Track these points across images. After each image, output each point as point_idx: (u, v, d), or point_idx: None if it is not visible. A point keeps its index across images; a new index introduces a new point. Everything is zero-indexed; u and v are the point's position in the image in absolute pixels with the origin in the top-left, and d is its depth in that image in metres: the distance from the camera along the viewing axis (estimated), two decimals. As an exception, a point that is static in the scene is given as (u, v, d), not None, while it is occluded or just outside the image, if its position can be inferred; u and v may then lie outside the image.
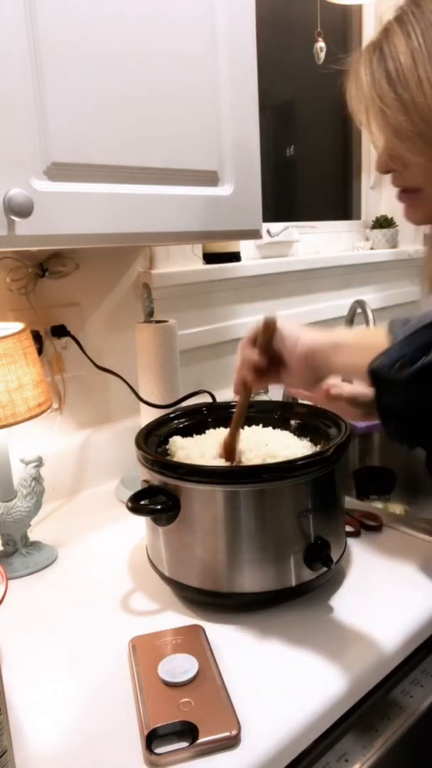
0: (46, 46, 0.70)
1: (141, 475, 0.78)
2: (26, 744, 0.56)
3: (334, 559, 0.74)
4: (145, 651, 0.65)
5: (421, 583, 0.78)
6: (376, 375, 0.55)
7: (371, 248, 1.89)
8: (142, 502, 0.74)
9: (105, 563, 0.88)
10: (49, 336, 1.08)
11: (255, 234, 0.98)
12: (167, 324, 1.08)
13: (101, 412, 1.19)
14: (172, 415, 0.92)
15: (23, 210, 0.68)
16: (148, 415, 1.05)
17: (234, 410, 0.80)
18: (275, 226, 1.56)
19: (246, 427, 0.89)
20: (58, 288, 1.09)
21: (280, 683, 0.62)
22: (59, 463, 1.09)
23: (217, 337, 1.37)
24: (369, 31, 1.76)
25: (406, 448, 0.58)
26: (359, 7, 1.74)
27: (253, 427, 0.90)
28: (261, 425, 0.90)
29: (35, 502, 0.88)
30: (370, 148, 1.87)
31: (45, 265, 1.05)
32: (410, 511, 1.18)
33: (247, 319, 1.42)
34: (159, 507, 0.73)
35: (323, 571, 0.73)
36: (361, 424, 1.26)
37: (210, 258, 1.35)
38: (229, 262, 1.37)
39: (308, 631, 0.70)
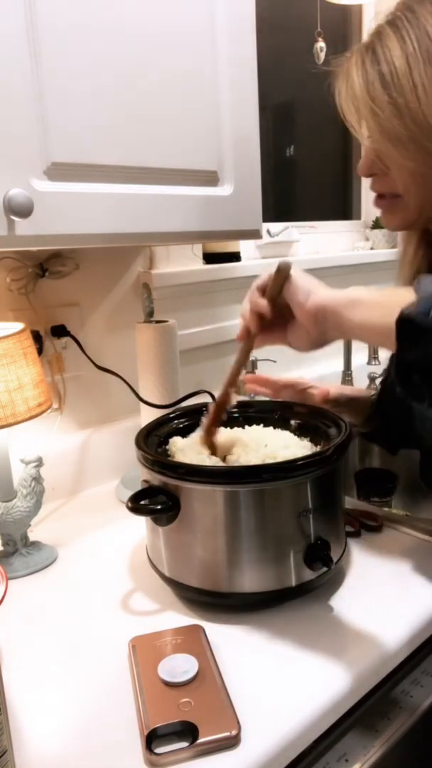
0: (46, 46, 0.70)
1: (141, 475, 0.78)
2: (26, 744, 0.56)
3: (334, 559, 0.74)
4: (145, 651, 0.65)
5: (421, 583, 0.78)
6: (407, 322, 0.53)
7: (371, 248, 1.89)
8: (142, 502, 0.73)
9: (105, 563, 0.88)
10: (49, 336, 1.08)
11: (255, 234, 0.98)
12: (167, 324, 1.08)
13: (101, 412, 1.19)
14: (172, 415, 0.92)
15: (23, 210, 0.68)
16: (148, 415, 1.05)
17: (234, 409, 0.79)
18: (275, 226, 1.56)
19: (246, 427, 0.90)
20: (58, 288, 1.09)
21: (280, 683, 0.62)
22: (59, 463, 1.09)
23: (217, 337, 1.37)
24: (369, 31, 1.76)
25: (425, 405, 0.55)
26: (359, 7, 1.74)
27: (254, 426, 0.90)
28: (261, 425, 0.90)
29: (35, 502, 0.88)
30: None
31: (45, 265, 1.05)
32: (411, 515, 1.18)
33: (247, 319, 1.42)
34: (159, 507, 0.73)
35: (323, 571, 0.73)
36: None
37: (210, 258, 1.35)
38: (229, 262, 1.37)
39: (308, 631, 0.70)
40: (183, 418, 0.92)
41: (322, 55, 1.53)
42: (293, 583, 0.73)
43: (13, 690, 0.63)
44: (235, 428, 0.88)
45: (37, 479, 0.88)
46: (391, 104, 0.66)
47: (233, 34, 0.88)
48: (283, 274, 0.66)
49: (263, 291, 0.70)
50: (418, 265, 0.88)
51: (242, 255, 1.41)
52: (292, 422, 0.91)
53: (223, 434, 0.85)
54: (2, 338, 0.80)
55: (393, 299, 0.57)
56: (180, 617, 0.74)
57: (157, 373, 1.08)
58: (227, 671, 0.62)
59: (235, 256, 1.39)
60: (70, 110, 0.73)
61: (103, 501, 1.10)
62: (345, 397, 0.95)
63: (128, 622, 0.74)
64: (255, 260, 1.50)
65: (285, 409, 0.93)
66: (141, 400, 1.10)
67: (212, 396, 1.15)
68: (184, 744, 0.54)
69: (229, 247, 1.37)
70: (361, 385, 1.53)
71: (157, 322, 1.09)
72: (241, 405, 0.95)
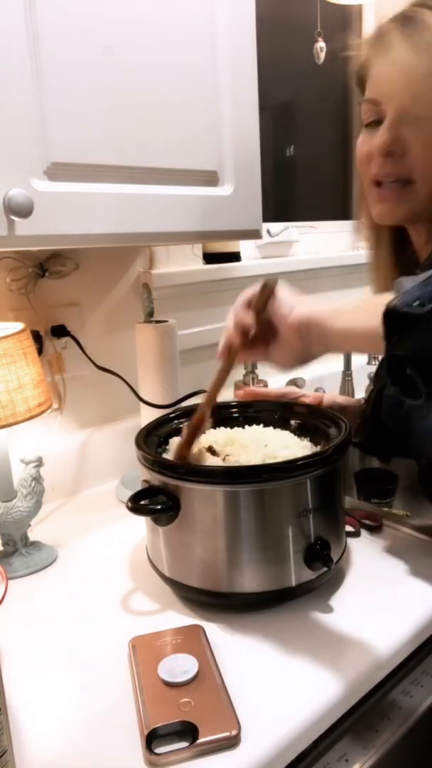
0: (46, 46, 0.70)
1: (141, 475, 0.78)
2: (26, 744, 0.56)
3: (334, 559, 0.74)
4: (145, 651, 0.65)
5: (421, 583, 0.78)
6: (393, 314, 0.53)
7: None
8: (142, 502, 0.73)
9: (105, 563, 0.88)
10: (49, 336, 1.08)
11: (255, 234, 0.98)
12: (167, 324, 1.08)
13: (101, 412, 1.19)
14: (172, 415, 0.92)
15: (23, 210, 0.68)
16: (148, 415, 1.05)
17: (233, 409, 0.79)
18: (275, 226, 1.56)
19: (246, 426, 0.90)
20: (58, 288, 1.09)
21: (280, 683, 0.62)
22: (59, 463, 1.09)
23: (217, 337, 1.34)
24: (369, 31, 1.76)
25: (421, 400, 0.55)
26: (359, 7, 1.74)
27: (254, 426, 0.90)
28: (261, 425, 0.90)
29: (35, 502, 0.88)
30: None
31: (45, 265, 1.05)
32: (411, 515, 1.18)
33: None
34: (159, 507, 0.73)
35: (323, 571, 0.73)
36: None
37: (210, 258, 1.35)
38: (229, 262, 1.37)
39: (308, 631, 0.70)
40: (183, 418, 0.92)
41: (322, 55, 1.53)
42: (293, 583, 0.73)
43: (13, 690, 0.63)
44: (235, 428, 0.88)
45: (37, 479, 0.88)
46: None
47: (233, 34, 0.88)
48: (268, 289, 0.67)
49: (248, 305, 0.69)
50: (391, 265, 0.89)
51: (242, 255, 1.41)
52: (292, 422, 0.91)
53: (222, 434, 0.85)
54: (2, 338, 0.80)
55: (374, 303, 0.57)
56: (180, 617, 0.74)
57: (157, 373, 1.08)
58: (227, 671, 0.62)
59: (235, 256, 1.39)
60: (70, 110, 0.73)
61: (103, 501, 1.10)
62: (337, 405, 0.96)
63: (128, 622, 0.74)
64: (255, 260, 1.50)
65: (285, 409, 0.93)
66: (141, 400, 1.10)
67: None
68: (184, 744, 0.54)
69: (229, 247, 1.37)
70: (361, 385, 1.53)
71: (157, 322, 1.09)
72: (241, 405, 0.95)
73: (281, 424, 0.91)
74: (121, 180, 0.79)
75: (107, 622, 0.74)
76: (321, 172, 1.93)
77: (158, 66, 0.81)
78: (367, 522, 0.93)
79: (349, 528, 0.88)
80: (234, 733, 0.54)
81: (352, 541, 0.88)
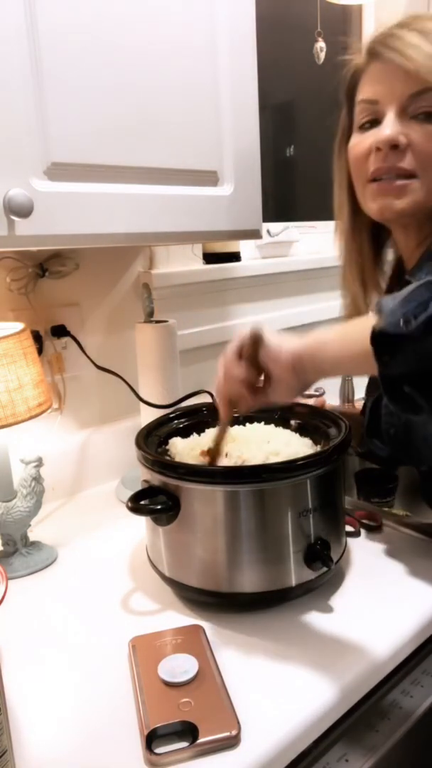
0: (46, 47, 0.70)
1: (141, 475, 0.78)
2: (26, 744, 0.56)
3: (334, 559, 0.74)
4: (145, 651, 0.65)
5: (421, 583, 0.78)
6: (381, 336, 0.53)
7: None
8: (142, 502, 0.73)
9: (105, 563, 0.88)
10: (49, 336, 1.08)
11: (255, 234, 0.98)
12: (167, 324, 1.08)
13: (101, 412, 1.19)
14: (172, 415, 0.92)
15: (23, 210, 0.68)
16: (148, 415, 1.05)
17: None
18: (275, 226, 1.56)
19: (247, 424, 0.89)
20: (58, 288, 1.09)
21: (280, 683, 0.62)
22: (59, 463, 1.09)
23: (217, 337, 1.37)
24: (369, 31, 1.76)
25: (424, 415, 0.55)
26: (359, 7, 1.74)
27: (255, 424, 0.89)
28: (262, 423, 0.90)
29: (35, 502, 0.88)
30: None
31: (45, 265, 1.05)
32: (411, 515, 1.18)
33: (247, 319, 1.42)
34: (159, 507, 0.73)
35: (323, 571, 0.73)
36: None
37: (210, 258, 1.35)
38: (229, 262, 1.37)
39: (308, 631, 0.70)
40: (183, 418, 0.92)
41: (322, 55, 1.53)
42: (293, 583, 0.73)
43: (13, 690, 0.63)
44: (236, 426, 0.88)
45: (37, 479, 0.88)
46: None
47: (233, 34, 0.88)
48: (257, 337, 0.67)
49: (239, 357, 0.68)
50: (364, 262, 0.90)
51: (242, 255, 1.41)
52: (292, 422, 0.91)
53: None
54: (2, 338, 0.80)
55: (358, 327, 0.58)
56: (180, 617, 0.74)
57: (157, 373, 1.08)
58: (227, 671, 0.62)
59: (235, 256, 1.39)
60: (70, 110, 0.73)
61: (103, 501, 1.10)
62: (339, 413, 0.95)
63: (128, 622, 0.74)
64: (255, 260, 1.50)
65: (285, 409, 0.93)
66: (141, 400, 1.10)
67: (212, 396, 1.15)
68: (184, 744, 0.54)
69: (229, 247, 1.37)
70: (361, 385, 1.53)
71: (157, 322, 1.09)
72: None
73: (281, 423, 0.91)
74: (121, 180, 0.79)
75: (107, 622, 0.74)
76: (321, 172, 1.92)
77: (158, 66, 0.80)
78: (367, 522, 0.93)
79: (349, 528, 0.88)
80: (234, 733, 0.54)
81: (352, 541, 0.88)
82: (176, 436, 0.88)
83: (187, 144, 0.86)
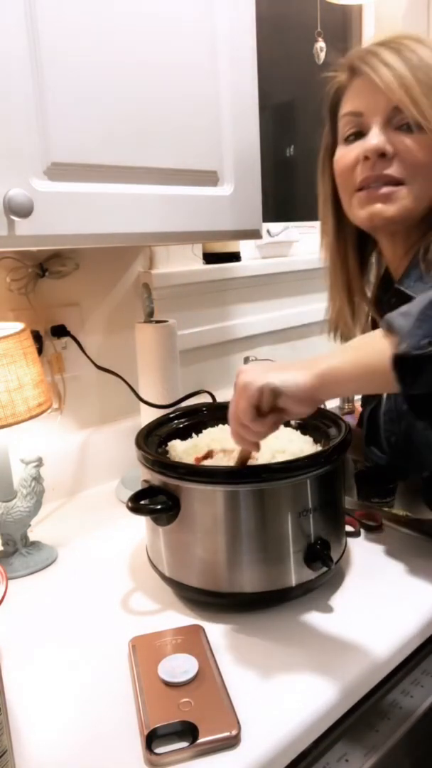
0: (46, 47, 0.70)
1: (141, 475, 0.78)
2: (26, 744, 0.56)
3: (334, 559, 0.74)
4: (145, 651, 0.65)
5: (422, 583, 0.78)
6: (404, 361, 0.53)
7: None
8: (142, 502, 0.73)
9: (105, 563, 0.88)
10: (49, 336, 1.08)
11: (255, 234, 0.98)
12: (167, 324, 1.08)
13: (101, 412, 1.19)
14: (172, 415, 0.92)
15: (23, 210, 0.68)
16: (148, 415, 1.05)
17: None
18: (275, 226, 1.56)
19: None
20: (58, 288, 1.09)
21: (280, 683, 0.62)
22: (59, 463, 1.09)
23: (217, 337, 1.37)
24: (369, 31, 1.76)
25: None
26: (359, 7, 1.74)
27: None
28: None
29: (35, 502, 0.88)
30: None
31: (45, 265, 1.05)
32: (411, 515, 1.18)
33: (247, 319, 1.42)
34: (159, 507, 0.73)
35: (323, 571, 0.73)
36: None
37: (210, 258, 1.35)
38: (229, 262, 1.37)
39: (308, 631, 0.70)
40: (183, 418, 0.92)
41: (322, 55, 1.53)
42: (293, 583, 0.73)
43: (13, 690, 0.63)
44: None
45: (37, 479, 0.88)
46: None
47: (233, 34, 0.88)
48: (275, 393, 0.62)
49: (258, 412, 0.63)
50: (350, 273, 0.91)
51: (242, 255, 1.41)
52: (292, 422, 0.91)
53: (227, 432, 0.84)
54: (2, 338, 0.80)
55: (369, 349, 0.58)
56: (180, 617, 0.74)
57: (157, 373, 1.08)
58: (227, 671, 0.62)
59: (235, 256, 1.39)
60: (70, 110, 0.73)
61: (103, 501, 1.10)
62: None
63: (128, 622, 0.74)
64: (255, 260, 1.50)
65: None
66: (141, 400, 1.10)
67: (212, 396, 1.15)
68: (184, 744, 0.54)
69: (229, 247, 1.37)
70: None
71: (157, 322, 1.09)
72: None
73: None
74: (121, 180, 0.79)
75: (107, 622, 0.74)
76: (321, 172, 1.92)
77: (158, 66, 0.80)
78: (367, 522, 0.93)
79: (349, 528, 0.88)
80: (234, 733, 0.54)
81: (352, 541, 0.88)
82: (176, 435, 0.88)
83: (187, 144, 0.86)
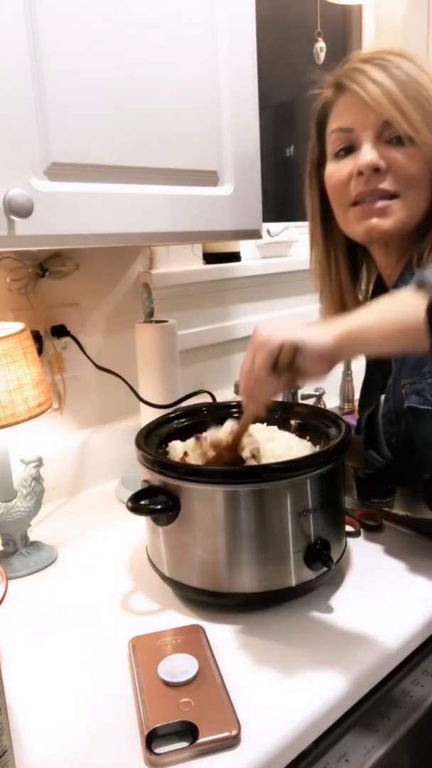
0: (46, 47, 0.70)
1: (141, 475, 0.78)
2: (26, 744, 0.56)
3: (334, 559, 0.74)
4: (145, 651, 0.65)
5: (421, 583, 0.78)
6: None
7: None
8: (142, 502, 0.73)
9: (105, 563, 0.88)
10: (49, 336, 1.08)
11: (255, 234, 0.98)
12: (167, 324, 1.08)
13: (101, 412, 1.19)
14: (172, 415, 0.92)
15: (23, 210, 0.68)
16: (148, 415, 1.05)
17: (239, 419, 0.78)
18: (275, 226, 1.56)
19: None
20: (58, 288, 1.09)
21: (280, 683, 0.62)
22: (59, 463, 1.09)
23: (217, 337, 1.37)
24: (369, 31, 1.76)
25: None
26: (359, 7, 1.74)
27: (256, 425, 0.89)
28: (265, 423, 0.90)
29: (35, 502, 0.88)
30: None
31: (45, 265, 1.05)
32: (411, 515, 1.18)
33: (247, 319, 1.42)
34: (159, 507, 0.73)
35: (323, 571, 0.73)
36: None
37: (210, 258, 1.35)
38: (229, 262, 1.37)
39: (308, 631, 0.70)
40: (183, 418, 0.92)
41: (322, 55, 1.53)
42: (293, 583, 0.73)
43: (13, 690, 0.62)
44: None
45: (37, 479, 0.88)
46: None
47: (233, 34, 0.88)
48: (295, 348, 0.61)
49: (275, 367, 0.62)
50: (342, 285, 0.93)
51: (242, 255, 1.41)
52: (292, 422, 0.91)
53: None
54: (2, 338, 0.80)
55: (398, 306, 0.58)
56: (180, 617, 0.74)
57: (157, 373, 1.08)
58: (227, 671, 0.62)
59: (235, 256, 1.39)
60: (70, 110, 0.73)
61: (103, 501, 1.10)
62: None
63: (128, 622, 0.74)
64: (255, 260, 1.50)
65: (285, 409, 0.93)
66: (141, 400, 1.10)
67: (212, 396, 1.15)
68: (184, 744, 0.54)
69: (229, 247, 1.37)
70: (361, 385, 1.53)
71: (157, 322, 1.09)
72: (241, 405, 0.95)
73: (281, 424, 0.91)
74: (121, 180, 0.79)
75: (107, 622, 0.74)
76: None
77: (158, 66, 0.80)
78: (367, 522, 0.93)
79: (349, 528, 0.88)
80: (234, 733, 0.54)
81: (352, 541, 0.88)
82: (176, 435, 0.88)
83: (187, 144, 0.86)
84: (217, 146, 0.90)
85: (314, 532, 0.73)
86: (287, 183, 1.81)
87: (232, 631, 0.70)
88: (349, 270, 0.93)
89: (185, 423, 0.91)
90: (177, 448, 0.83)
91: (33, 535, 0.92)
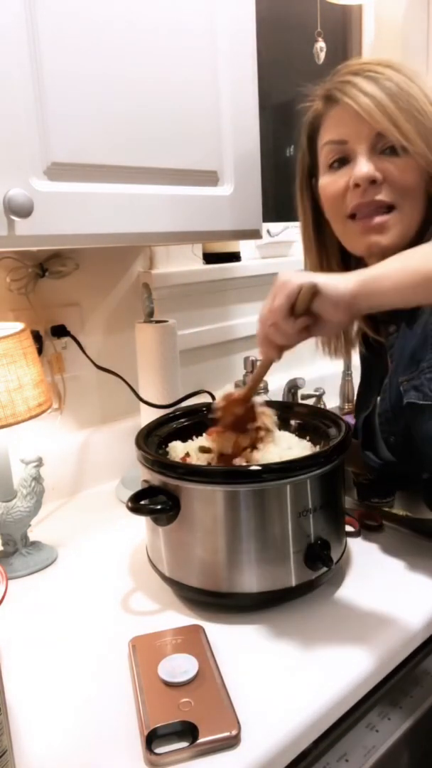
0: (46, 47, 0.70)
1: (141, 475, 0.78)
2: (26, 744, 0.56)
3: (334, 559, 0.74)
4: (145, 651, 0.65)
5: (421, 584, 0.78)
6: None
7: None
8: (142, 502, 0.74)
9: (105, 563, 0.88)
10: (49, 336, 1.08)
11: (255, 234, 0.98)
12: (167, 324, 1.08)
13: (101, 412, 1.19)
14: (172, 415, 0.92)
15: (23, 210, 0.68)
16: (148, 415, 1.05)
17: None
18: (275, 226, 1.56)
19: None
20: (58, 288, 1.09)
21: (280, 683, 0.62)
22: (59, 463, 1.09)
23: (217, 337, 1.37)
24: (369, 31, 1.76)
25: None
26: (359, 7, 1.74)
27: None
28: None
29: (35, 502, 0.88)
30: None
31: (45, 265, 1.05)
32: (411, 515, 1.18)
33: (247, 319, 1.42)
34: (159, 507, 0.73)
35: (323, 571, 0.73)
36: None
37: (210, 258, 1.35)
38: (229, 262, 1.37)
39: (308, 631, 0.70)
40: (183, 419, 0.92)
41: (322, 55, 1.53)
42: (293, 583, 0.73)
43: (13, 690, 0.63)
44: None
45: (37, 479, 0.88)
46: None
47: (233, 34, 0.88)
48: (313, 291, 0.62)
49: (291, 311, 0.63)
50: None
51: (242, 255, 1.41)
52: (292, 422, 0.91)
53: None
54: (2, 338, 0.80)
55: (418, 256, 0.60)
56: (180, 617, 0.74)
57: (157, 373, 1.08)
58: (227, 671, 0.62)
59: (235, 256, 1.39)
60: (70, 110, 0.73)
61: (103, 501, 1.10)
62: None
63: (128, 622, 0.74)
64: (255, 260, 1.50)
65: (285, 409, 0.93)
66: (141, 400, 1.10)
67: (212, 396, 1.15)
68: (184, 744, 0.54)
69: (229, 247, 1.37)
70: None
71: (157, 322, 1.09)
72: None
73: (281, 424, 0.91)
74: (121, 180, 0.79)
75: (107, 622, 0.74)
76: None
77: (158, 66, 0.81)
78: (367, 522, 0.93)
79: (349, 528, 0.88)
80: (234, 733, 0.54)
81: (352, 541, 0.88)
82: (176, 436, 0.88)
83: (187, 144, 0.86)
84: (218, 146, 0.90)
85: (314, 532, 0.73)
86: (287, 183, 1.80)
87: (232, 631, 0.70)
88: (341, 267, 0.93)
89: (185, 423, 0.91)
90: (177, 449, 0.83)
91: (33, 535, 0.92)
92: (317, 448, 0.82)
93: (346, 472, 0.93)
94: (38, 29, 0.69)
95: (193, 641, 0.67)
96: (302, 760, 0.60)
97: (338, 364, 1.54)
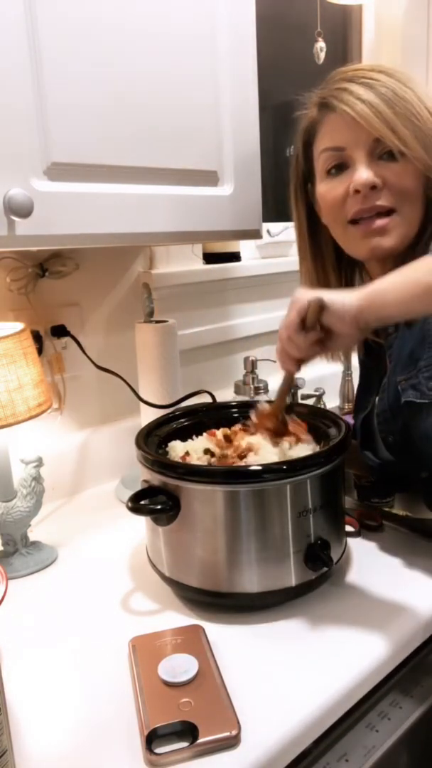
0: (46, 47, 0.70)
1: (141, 475, 0.78)
2: (26, 744, 0.56)
3: (334, 559, 0.74)
4: (145, 651, 0.65)
5: (421, 584, 0.78)
6: None
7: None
8: (142, 502, 0.74)
9: (105, 563, 0.88)
10: (49, 336, 1.08)
11: (255, 234, 0.98)
12: (167, 324, 1.08)
13: (101, 412, 1.19)
14: (171, 415, 0.92)
15: (23, 210, 0.68)
16: (148, 415, 1.05)
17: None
18: (275, 226, 1.56)
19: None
20: (58, 288, 1.09)
21: (280, 683, 0.62)
22: (59, 463, 1.09)
23: (217, 337, 1.37)
24: (369, 31, 1.76)
25: None
26: (359, 7, 1.74)
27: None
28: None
29: (35, 502, 0.88)
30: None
31: (45, 265, 1.05)
32: (411, 515, 1.18)
33: (247, 319, 1.42)
34: (159, 507, 0.73)
35: (323, 571, 0.73)
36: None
37: (210, 258, 1.35)
38: (229, 262, 1.36)
39: (308, 630, 0.70)
40: (183, 418, 0.92)
41: (322, 55, 1.53)
42: (293, 583, 0.73)
43: (13, 690, 0.63)
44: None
45: (37, 479, 0.88)
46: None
47: (233, 34, 0.88)
48: (321, 306, 0.67)
49: (303, 325, 0.68)
50: (330, 285, 0.93)
51: (242, 255, 1.41)
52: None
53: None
54: (2, 338, 0.80)
55: (418, 269, 0.62)
56: (180, 617, 0.74)
57: (157, 373, 1.08)
58: (227, 671, 0.62)
59: (235, 256, 1.38)
60: (70, 110, 0.73)
61: (103, 501, 1.10)
62: None
63: (128, 622, 0.74)
64: (255, 260, 1.50)
65: (285, 409, 0.93)
66: (141, 400, 1.10)
67: (212, 396, 1.15)
68: (184, 744, 0.54)
69: (229, 247, 1.36)
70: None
71: (157, 322, 1.09)
72: (241, 405, 0.95)
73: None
74: (121, 180, 0.79)
75: (107, 622, 0.74)
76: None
77: (158, 66, 0.80)
78: (367, 522, 0.93)
79: (349, 528, 0.88)
80: (234, 733, 0.54)
81: (352, 541, 0.88)
82: (176, 436, 0.88)
83: (187, 144, 0.86)
84: (218, 146, 0.90)
85: (314, 532, 0.73)
86: (287, 183, 1.81)
87: (232, 631, 0.70)
88: (339, 283, 0.94)
89: (185, 423, 0.91)
90: (177, 448, 0.83)
91: (33, 535, 0.92)
92: (317, 448, 0.82)
93: (347, 474, 0.93)
94: (38, 29, 0.69)
95: (193, 641, 0.67)
96: (302, 760, 0.60)
97: (338, 364, 1.54)
